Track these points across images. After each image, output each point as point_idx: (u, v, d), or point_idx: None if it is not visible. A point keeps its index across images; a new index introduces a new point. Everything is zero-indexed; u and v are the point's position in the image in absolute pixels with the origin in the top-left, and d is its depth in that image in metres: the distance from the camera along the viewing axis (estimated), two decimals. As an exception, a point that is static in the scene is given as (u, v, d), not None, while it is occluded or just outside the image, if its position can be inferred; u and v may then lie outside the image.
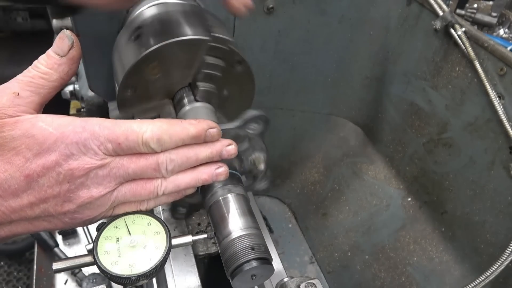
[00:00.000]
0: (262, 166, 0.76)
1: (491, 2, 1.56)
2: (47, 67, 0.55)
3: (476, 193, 1.04)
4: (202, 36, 0.77)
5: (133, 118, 0.81)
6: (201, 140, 0.60)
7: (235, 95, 0.87)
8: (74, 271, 1.22)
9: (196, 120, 0.61)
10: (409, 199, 1.28)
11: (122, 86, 0.77)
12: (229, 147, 0.63)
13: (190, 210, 0.87)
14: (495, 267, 0.89)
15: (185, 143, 0.59)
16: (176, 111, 0.82)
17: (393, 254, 1.27)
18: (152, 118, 0.81)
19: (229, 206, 0.67)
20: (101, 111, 1.30)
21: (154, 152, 0.57)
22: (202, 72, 0.77)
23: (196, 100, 0.80)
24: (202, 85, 0.78)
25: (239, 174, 0.74)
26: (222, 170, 0.64)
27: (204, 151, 0.61)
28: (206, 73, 0.77)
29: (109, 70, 0.97)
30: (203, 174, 0.62)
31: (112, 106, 0.82)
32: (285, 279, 0.76)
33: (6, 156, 0.51)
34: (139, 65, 0.75)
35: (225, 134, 0.67)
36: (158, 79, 0.79)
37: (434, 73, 1.10)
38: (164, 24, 0.79)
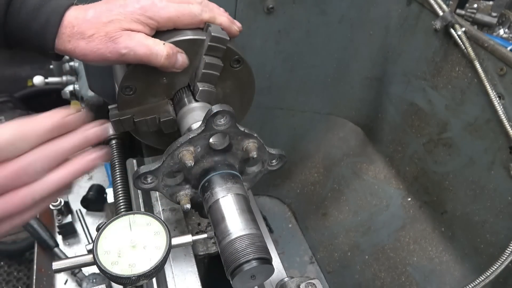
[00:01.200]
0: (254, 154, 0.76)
1: (491, 2, 1.56)
2: None
3: (476, 193, 1.04)
4: (200, 35, 0.77)
5: (133, 118, 0.81)
6: (62, 130, 0.55)
7: (236, 94, 0.87)
8: (74, 271, 1.22)
9: (50, 112, 0.55)
10: (409, 199, 1.28)
11: (121, 87, 0.78)
12: (93, 130, 0.58)
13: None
14: (495, 267, 0.89)
15: (45, 138, 0.53)
16: (176, 111, 0.82)
17: (393, 254, 1.27)
18: (152, 118, 0.82)
19: (229, 206, 0.67)
20: (101, 111, 1.30)
21: (14, 157, 0.50)
22: (201, 72, 0.77)
23: (196, 100, 0.80)
24: (201, 85, 0.78)
25: (239, 173, 0.74)
26: (96, 155, 0.58)
27: (68, 141, 0.56)
28: (204, 73, 0.77)
29: (109, 70, 0.97)
30: (77, 165, 0.57)
31: (112, 106, 0.82)
32: (285, 279, 0.76)
33: None
34: (138, 66, 0.75)
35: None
36: (158, 80, 0.79)
37: (434, 73, 1.10)
38: None
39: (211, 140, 0.70)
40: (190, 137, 0.67)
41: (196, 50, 0.77)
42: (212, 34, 0.74)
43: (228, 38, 0.75)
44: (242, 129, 0.70)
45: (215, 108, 0.65)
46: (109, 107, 0.82)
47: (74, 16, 0.68)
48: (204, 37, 0.76)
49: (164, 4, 0.72)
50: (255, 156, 0.72)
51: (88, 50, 0.68)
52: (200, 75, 0.77)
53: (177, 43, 0.75)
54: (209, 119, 0.66)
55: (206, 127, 0.67)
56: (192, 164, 0.67)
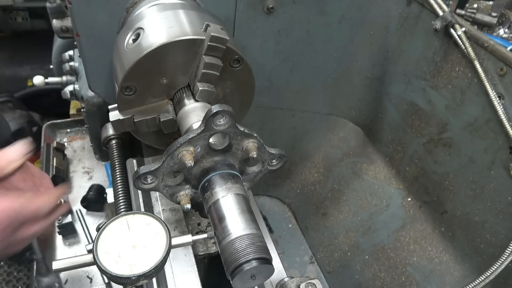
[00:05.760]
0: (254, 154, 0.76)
1: (491, 2, 1.56)
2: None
3: (476, 193, 1.04)
4: (199, 35, 0.77)
5: (133, 119, 0.81)
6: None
7: (236, 94, 0.87)
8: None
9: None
10: (409, 199, 1.28)
11: (121, 87, 0.78)
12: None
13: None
14: (495, 267, 0.89)
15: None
16: (176, 111, 0.82)
17: (393, 254, 1.27)
18: (152, 119, 0.82)
19: (229, 205, 0.67)
20: (101, 111, 1.30)
21: None
22: (200, 72, 0.77)
23: (196, 100, 0.80)
24: (201, 85, 0.78)
25: (239, 173, 0.74)
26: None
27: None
28: (204, 73, 0.77)
29: (109, 70, 0.97)
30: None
31: (112, 106, 0.82)
32: (285, 279, 0.77)
33: None
34: (138, 66, 0.75)
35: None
36: (158, 80, 0.79)
37: (434, 73, 1.10)
38: (162, 24, 0.79)
39: (211, 140, 0.70)
40: (190, 137, 0.67)
41: (196, 50, 0.77)
42: (212, 34, 0.74)
43: (228, 38, 0.75)
44: (242, 129, 0.70)
45: (215, 108, 0.65)
46: (109, 107, 0.82)
47: None
48: (204, 37, 0.76)
49: None
50: (255, 156, 0.72)
51: None
52: (200, 75, 0.77)
53: (176, 43, 0.75)
54: (208, 119, 0.66)
55: (206, 127, 0.67)
56: (192, 164, 0.67)
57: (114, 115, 0.81)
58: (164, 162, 0.69)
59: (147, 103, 0.82)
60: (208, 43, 0.74)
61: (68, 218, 1.32)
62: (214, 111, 0.65)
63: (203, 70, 0.76)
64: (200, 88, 0.78)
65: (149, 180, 0.71)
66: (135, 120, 0.81)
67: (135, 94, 0.79)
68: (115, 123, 0.81)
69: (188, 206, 0.74)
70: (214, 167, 0.72)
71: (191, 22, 0.80)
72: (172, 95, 0.83)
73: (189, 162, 0.67)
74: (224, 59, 0.78)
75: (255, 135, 0.72)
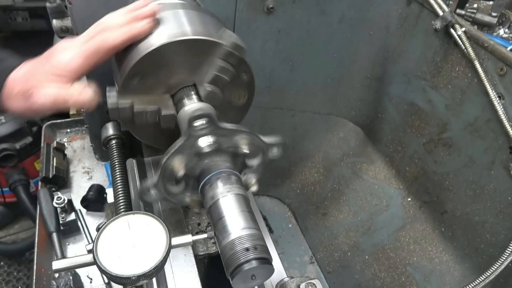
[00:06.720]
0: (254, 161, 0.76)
1: (491, 2, 1.56)
2: None
3: (476, 193, 1.04)
4: (212, 38, 0.77)
5: (132, 106, 0.79)
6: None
7: (235, 98, 0.88)
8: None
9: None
10: (409, 199, 1.28)
11: (131, 72, 0.76)
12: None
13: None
14: (495, 267, 0.89)
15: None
16: (177, 108, 0.81)
17: (393, 254, 1.27)
18: (152, 111, 0.81)
19: (228, 205, 0.67)
20: (101, 111, 1.30)
21: None
22: (212, 74, 0.77)
23: (200, 101, 0.80)
24: (209, 87, 0.79)
25: (237, 171, 0.74)
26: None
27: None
28: (216, 76, 0.78)
29: (108, 71, 0.96)
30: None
31: (110, 88, 0.79)
32: (285, 279, 0.76)
33: None
34: (151, 56, 0.74)
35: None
36: (164, 74, 0.79)
37: (434, 73, 1.10)
38: (175, 21, 0.79)
39: (200, 143, 0.70)
40: (175, 148, 0.68)
41: (206, 51, 0.77)
42: (233, 40, 0.76)
43: (245, 47, 0.78)
44: (227, 127, 0.70)
45: (193, 113, 0.67)
46: (107, 90, 0.78)
47: (11, 78, 0.74)
48: (217, 40, 0.76)
49: (71, 55, 0.74)
50: (247, 151, 0.72)
51: (15, 107, 0.73)
52: (211, 77, 0.78)
53: (191, 41, 0.74)
54: (190, 126, 0.67)
55: (190, 134, 0.68)
56: (183, 173, 0.68)
57: (112, 97, 0.77)
58: (159, 175, 0.69)
59: (149, 94, 0.81)
60: (227, 49, 0.76)
61: (72, 216, 1.32)
62: (192, 116, 0.67)
63: (215, 73, 0.77)
64: (208, 89, 0.78)
65: (153, 194, 0.72)
66: (134, 110, 0.79)
67: (141, 82, 0.78)
68: (112, 109, 0.78)
69: (197, 210, 0.75)
70: (209, 169, 0.72)
71: (205, 22, 0.81)
72: (175, 91, 0.83)
73: (180, 171, 0.68)
74: (235, 68, 0.79)
75: (243, 129, 0.72)
